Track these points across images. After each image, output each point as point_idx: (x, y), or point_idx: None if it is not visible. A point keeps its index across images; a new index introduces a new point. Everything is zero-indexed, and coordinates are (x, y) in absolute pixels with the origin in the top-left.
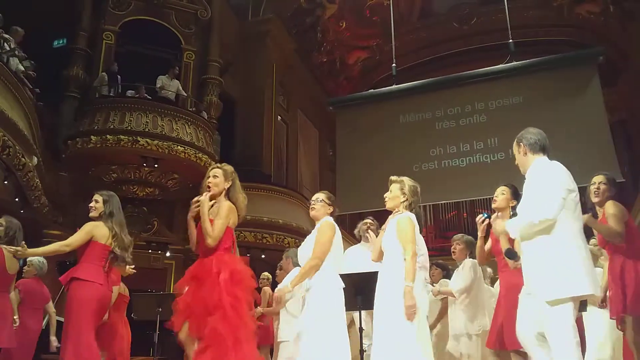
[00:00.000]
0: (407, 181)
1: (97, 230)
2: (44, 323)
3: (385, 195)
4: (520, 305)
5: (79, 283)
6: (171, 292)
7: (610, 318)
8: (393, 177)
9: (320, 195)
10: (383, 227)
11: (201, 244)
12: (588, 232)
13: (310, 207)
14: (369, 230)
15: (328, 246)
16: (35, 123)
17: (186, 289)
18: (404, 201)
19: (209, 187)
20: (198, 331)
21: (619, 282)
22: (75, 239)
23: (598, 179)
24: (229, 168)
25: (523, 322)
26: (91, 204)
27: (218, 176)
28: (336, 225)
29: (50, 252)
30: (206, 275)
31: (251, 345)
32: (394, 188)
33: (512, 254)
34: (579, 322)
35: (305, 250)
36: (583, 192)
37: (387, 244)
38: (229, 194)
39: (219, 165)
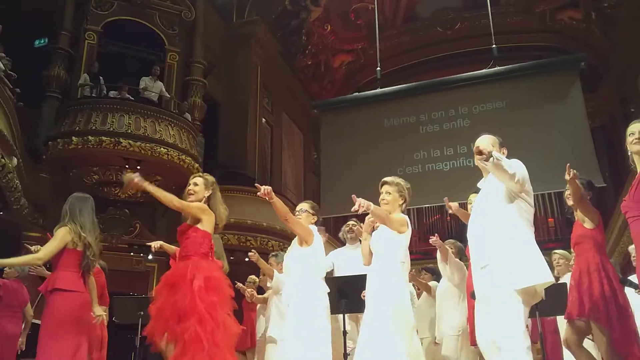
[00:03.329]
0: (403, 183)
1: (68, 237)
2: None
3: (382, 198)
4: (476, 313)
5: (61, 293)
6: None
7: (564, 318)
8: (388, 179)
9: (304, 206)
10: (365, 228)
11: (181, 248)
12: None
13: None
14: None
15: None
16: (15, 123)
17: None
18: (402, 204)
19: (190, 194)
20: (169, 336)
21: (577, 286)
22: (49, 250)
23: None
24: (210, 178)
25: (481, 330)
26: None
27: (198, 184)
28: (318, 234)
29: (22, 263)
30: (180, 281)
31: (229, 350)
32: (392, 190)
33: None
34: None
35: (292, 260)
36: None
37: (377, 244)
38: (209, 203)
39: (200, 174)
